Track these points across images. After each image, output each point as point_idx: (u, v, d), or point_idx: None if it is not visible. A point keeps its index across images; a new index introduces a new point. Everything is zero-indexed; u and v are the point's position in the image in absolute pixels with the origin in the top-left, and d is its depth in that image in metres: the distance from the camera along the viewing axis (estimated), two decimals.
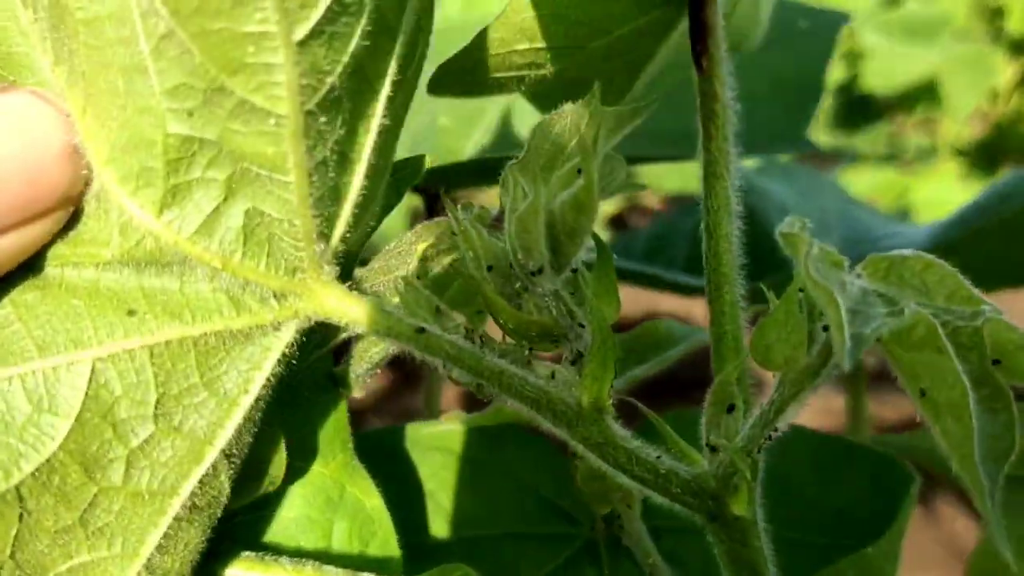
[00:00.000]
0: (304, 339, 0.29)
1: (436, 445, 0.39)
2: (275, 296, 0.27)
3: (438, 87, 0.38)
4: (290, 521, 0.33)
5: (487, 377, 0.28)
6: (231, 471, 0.28)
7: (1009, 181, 0.55)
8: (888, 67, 1.79)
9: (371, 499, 0.34)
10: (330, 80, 0.26)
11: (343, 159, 0.28)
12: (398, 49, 0.28)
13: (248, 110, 0.25)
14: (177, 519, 0.27)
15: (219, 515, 0.29)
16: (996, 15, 2.12)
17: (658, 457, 0.31)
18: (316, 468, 0.33)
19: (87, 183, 0.27)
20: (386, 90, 0.29)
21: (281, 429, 0.31)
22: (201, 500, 0.27)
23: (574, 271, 0.29)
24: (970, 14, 2.07)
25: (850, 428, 0.66)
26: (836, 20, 0.57)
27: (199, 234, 0.26)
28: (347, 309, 0.28)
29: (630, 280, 0.66)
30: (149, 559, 0.26)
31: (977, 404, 0.26)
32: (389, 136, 0.30)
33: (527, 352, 0.30)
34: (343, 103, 0.27)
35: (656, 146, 0.48)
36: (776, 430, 0.30)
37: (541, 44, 0.36)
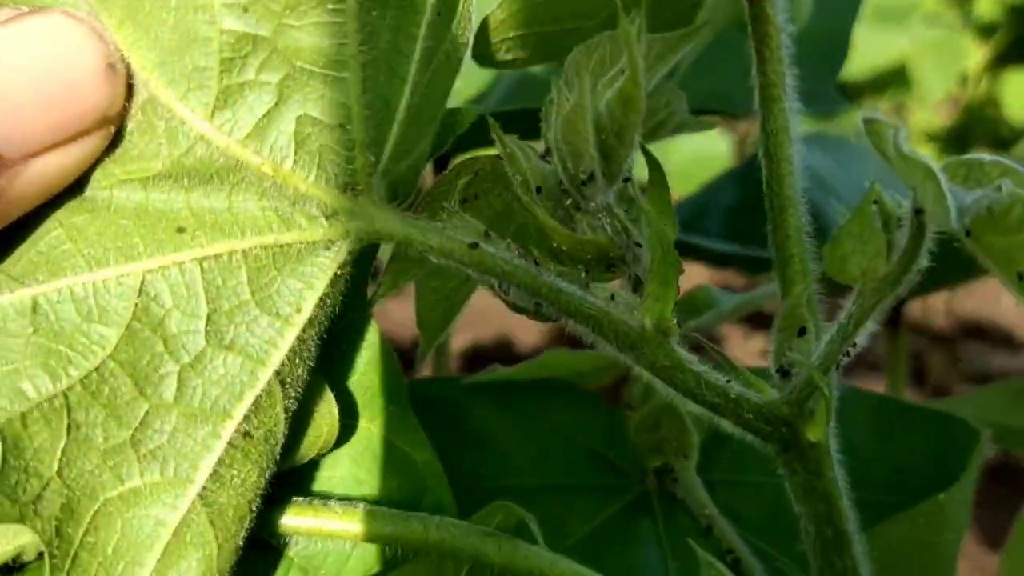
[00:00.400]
0: (354, 268, 0.28)
1: (484, 395, 0.37)
2: (326, 214, 0.26)
3: (482, 54, 0.36)
4: (338, 480, 0.32)
5: (545, 295, 0.27)
6: (286, 402, 0.26)
7: None
8: (859, 52, 1.74)
9: (421, 454, 0.32)
10: None
11: (391, 70, 0.27)
12: None
13: None
14: (232, 445, 0.25)
15: (276, 457, 0.27)
16: None
17: (728, 381, 0.29)
18: (363, 424, 0.32)
19: (130, 97, 0.26)
20: (428, 13, 0.28)
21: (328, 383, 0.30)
22: (256, 430, 0.26)
23: (626, 181, 0.27)
24: None
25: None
26: None
27: (250, 138, 0.25)
28: (398, 228, 0.27)
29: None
30: (204, 488, 0.25)
31: None
32: (434, 61, 0.29)
33: (583, 276, 0.28)
34: (388, 7, 0.26)
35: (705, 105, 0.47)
36: (855, 345, 0.29)
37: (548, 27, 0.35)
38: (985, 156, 0.29)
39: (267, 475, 0.27)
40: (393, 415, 0.31)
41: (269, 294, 0.26)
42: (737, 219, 0.59)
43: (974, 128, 2.09)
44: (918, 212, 0.25)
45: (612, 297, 0.29)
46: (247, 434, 0.25)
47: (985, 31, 2.08)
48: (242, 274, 0.25)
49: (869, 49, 1.76)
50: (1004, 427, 0.43)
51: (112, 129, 0.26)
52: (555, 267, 0.28)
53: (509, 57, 0.37)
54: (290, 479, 0.30)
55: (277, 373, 0.25)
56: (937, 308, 2.13)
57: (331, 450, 0.31)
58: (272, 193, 0.26)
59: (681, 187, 0.95)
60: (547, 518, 0.36)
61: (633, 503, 0.37)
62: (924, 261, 0.28)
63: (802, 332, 0.30)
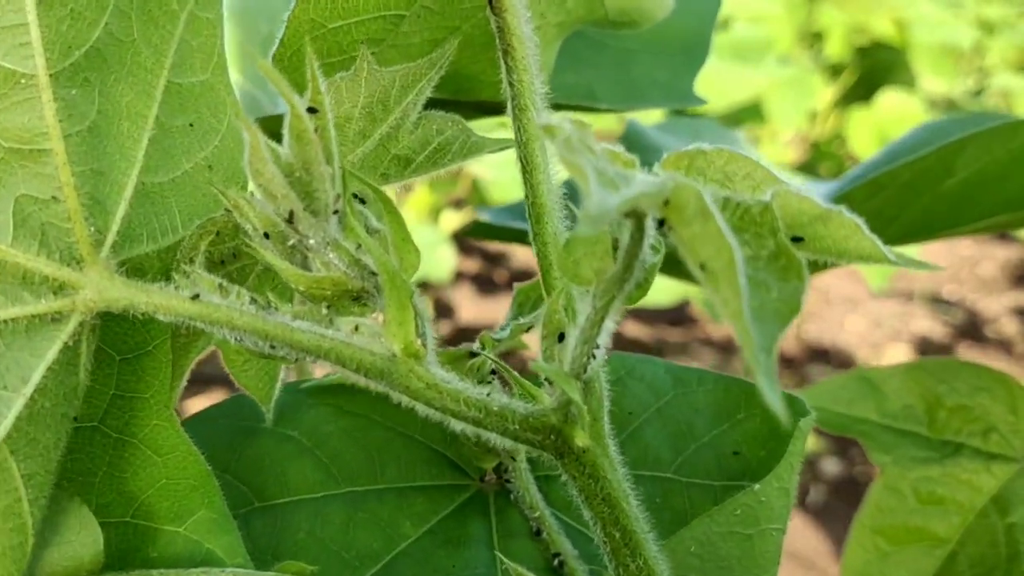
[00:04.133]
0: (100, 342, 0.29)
1: (323, 398, 0.38)
2: (52, 288, 0.27)
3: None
4: None
5: (275, 337, 0.28)
6: (25, 472, 0.27)
7: (907, 136, 0.53)
8: (718, 87, 1.88)
9: (234, 558, 0.31)
10: (76, 52, 0.27)
11: (108, 145, 0.28)
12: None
13: (0, 79, 0.26)
14: None
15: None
16: (816, 39, 2.30)
17: (488, 395, 0.29)
18: (168, 529, 0.30)
19: None
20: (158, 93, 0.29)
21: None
22: None
23: (335, 213, 0.28)
24: (793, 38, 2.24)
25: None
26: None
27: None
28: (124, 293, 0.28)
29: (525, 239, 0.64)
30: None
31: (769, 275, 0.25)
32: (178, 146, 0.30)
33: (325, 312, 0.29)
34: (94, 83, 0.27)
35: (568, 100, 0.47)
36: (599, 347, 0.29)
37: (354, 18, 0.35)
38: (706, 145, 0.29)
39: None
40: (202, 521, 0.31)
41: None
42: None
43: (821, 161, 2.27)
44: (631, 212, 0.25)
45: (356, 328, 0.29)
46: None
47: (833, 71, 2.27)
48: None
49: (727, 84, 1.90)
50: (847, 416, 0.42)
51: None
52: (292, 308, 0.29)
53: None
54: None
55: (6, 441, 0.26)
56: (788, 334, 2.35)
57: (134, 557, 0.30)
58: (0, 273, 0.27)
59: None
60: (380, 522, 0.36)
61: (468, 502, 0.37)
62: (650, 257, 0.28)
63: (561, 338, 0.30)
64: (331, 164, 0.27)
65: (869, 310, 2.67)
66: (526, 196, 0.32)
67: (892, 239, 0.53)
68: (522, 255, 2.60)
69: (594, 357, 0.29)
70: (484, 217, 0.55)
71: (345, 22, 0.35)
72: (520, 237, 0.63)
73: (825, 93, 2.24)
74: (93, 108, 0.28)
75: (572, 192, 0.35)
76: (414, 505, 0.37)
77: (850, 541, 0.40)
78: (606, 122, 1.64)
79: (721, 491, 0.38)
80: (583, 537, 0.37)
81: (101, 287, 0.28)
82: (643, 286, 0.29)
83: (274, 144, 0.27)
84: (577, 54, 0.50)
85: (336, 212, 0.28)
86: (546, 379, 0.30)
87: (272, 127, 0.48)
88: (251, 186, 0.28)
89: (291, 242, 0.28)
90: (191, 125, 0.31)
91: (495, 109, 0.47)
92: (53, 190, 0.27)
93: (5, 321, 0.27)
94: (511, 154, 0.34)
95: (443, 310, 2.55)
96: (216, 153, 0.32)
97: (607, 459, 0.30)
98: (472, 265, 2.73)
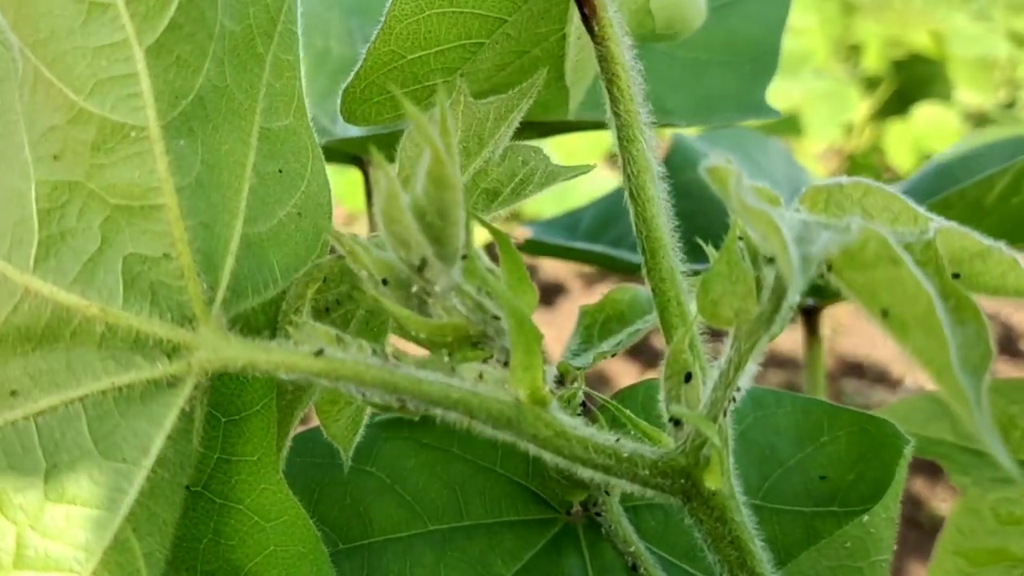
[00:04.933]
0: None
1: (397, 433, 0.36)
2: (166, 351, 0.26)
3: (351, 117, 0.36)
4: None
5: (404, 389, 0.26)
6: (146, 551, 0.25)
7: (952, 151, 0.53)
8: None
9: None
10: (183, 101, 0.25)
11: (214, 196, 0.27)
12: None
13: (109, 132, 0.24)
14: None
15: None
16: (852, 52, 2.30)
17: (617, 440, 0.28)
18: None
19: None
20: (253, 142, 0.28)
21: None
22: None
23: (464, 258, 0.26)
24: (829, 51, 2.25)
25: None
26: None
27: (76, 283, 0.25)
28: (242, 353, 0.26)
29: (575, 258, 0.63)
30: None
31: (944, 316, 0.24)
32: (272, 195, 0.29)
33: (447, 360, 0.27)
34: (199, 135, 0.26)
35: None
36: (739, 389, 0.28)
37: (434, 47, 0.34)
38: (843, 178, 0.28)
39: None
40: None
41: (114, 440, 0.25)
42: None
43: (857, 174, 2.25)
44: (771, 263, 0.24)
45: (481, 376, 0.28)
46: None
47: (869, 84, 2.25)
48: (82, 424, 0.25)
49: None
50: (924, 437, 0.42)
51: None
52: (416, 359, 0.27)
53: (382, 117, 0.36)
54: None
55: (128, 519, 0.24)
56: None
57: None
58: (108, 338, 0.25)
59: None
60: (471, 561, 0.35)
61: (558, 537, 0.36)
62: (796, 297, 0.27)
63: (688, 378, 0.29)
64: (464, 209, 0.26)
65: None
66: (638, 230, 0.31)
67: None
68: (549, 268, 2.53)
69: (734, 400, 0.28)
70: (532, 234, 0.54)
71: (425, 52, 0.33)
72: (571, 255, 0.61)
73: (861, 106, 2.23)
74: (197, 159, 0.26)
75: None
76: (504, 542, 0.36)
77: (932, 565, 0.40)
78: None
79: (811, 517, 0.37)
80: (676, 569, 0.36)
81: (216, 347, 0.26)
82: (783, 325, 0.28)
83: (402, 190, 0.26)
84: (647, 66, 0.49)
85: (465, 256, 0.26)
86: (671, 420, 0.29)
87: (345, 149, 0.46)
88: (382, 231, 0.26)
89: (414, 289, 0.27)
90: (280, 171, 0.29)
91: (554, 129, 0.46)
92: (165, 247, 0.25)
93: (120, 388, 0.25)
94: None
95: None
96: (303, 199, 0.30)
97: (734, 500, 0.29)
98: None
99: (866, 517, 0.33)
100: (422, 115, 0.24)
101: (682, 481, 0.29)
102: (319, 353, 0.26)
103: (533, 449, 0.28)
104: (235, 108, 0.28)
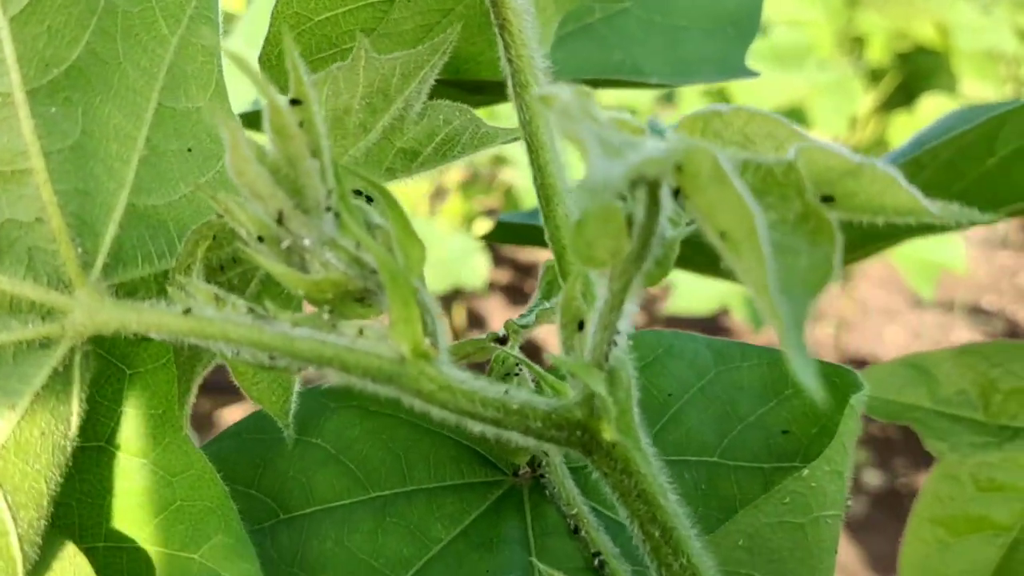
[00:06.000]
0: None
1: (346, 401, 0.36)
2: (41, 313, 0.26)
3: (275, 84, 0.36)
4: None
5: (274, 347, 0.26)
6: (15, 509, 0.26)
7: (935, 124, 0.50)
8: (757, 92, 1.88)
9: None
10: (55, 70, 0.26)
11: (93, 163, 0.27)
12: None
13: None
14: None
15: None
16: (857, 44, 2.26)
17: (506, 392, 0.27)
18: (183, 555, 0.28)
19: None
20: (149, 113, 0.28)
21: None
22: None
23: (328, 210, 0.26)
24: (833, 44, 2.21)
25: None
26: None
27: None
28: (114, 315, 0.26)
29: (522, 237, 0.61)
30: None
31: (798, 239, 0.22)
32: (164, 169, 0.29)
33: (328, 317, 0.27)
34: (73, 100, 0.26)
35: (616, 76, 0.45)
36: (619, 332, 0.27)
37: (341, 7, 0.34)
38: (723, 105, 0.26)
39: None
40: (218, 547, 0.29)
41: None
42: None
43: None
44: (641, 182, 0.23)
45: (360, 331, 0.27)
46: None
47: (874, 75, 2.24)
48: None
49: (767, 90, 1.91)
50: (899, 403, 0.39)
51: None
52: (292, 315, 0.27)
53: None
54: None
55: None
56: (826, 344, 2.40)
57: None
58: None
59: None
60: (409, 526, 0.35)
61: (502, 500, 0.35)
62: (669, 231, 0.26)
63: (581, 326, 0.28)
64: (319, 158, 0.25)
65: (908, 321, 2.63)
66: (534, 178, 0.30)
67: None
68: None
69: (615, 344, 0.27)
70: (505, 218, 0.53)
71: (332, 13, 0.33)
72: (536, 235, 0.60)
73: (865, 99, 2.21)
74: (76, 127, 0.27)
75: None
76: (445, 506, 0.35)
77: (907, 535, 0.37)
78: None
79: (771, 473, 0.35)
80: (626, 532, 0.35)
81: (91, 310, 0.26)
82: (663, 264, 0.26)
83: (258, 142, 0.25)
84: (624, 32, 0.48)
85: (330, 209, 0.26)
86: (569, 372, 0.28)
87: None
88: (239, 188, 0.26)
89: (285, 244, 0.27)
90: (189, 150, 0.30)
91: (501, 90, 0.45)
92: (37, 211, 0.26)
93: None
94: None
95: (475, 320, 2.54)
96: (220, 177, 0.30)
97: (639, 452, 0.28)
98: (504, 276, 2.71)
99: (806, 471, 0.31)
100: (254, 68, 0.24)
101: (578, 433, 0.28)
102: (187, 312, 0.26)
103: (419, 405, 0.28)
104: (128, 84, 0.28)
